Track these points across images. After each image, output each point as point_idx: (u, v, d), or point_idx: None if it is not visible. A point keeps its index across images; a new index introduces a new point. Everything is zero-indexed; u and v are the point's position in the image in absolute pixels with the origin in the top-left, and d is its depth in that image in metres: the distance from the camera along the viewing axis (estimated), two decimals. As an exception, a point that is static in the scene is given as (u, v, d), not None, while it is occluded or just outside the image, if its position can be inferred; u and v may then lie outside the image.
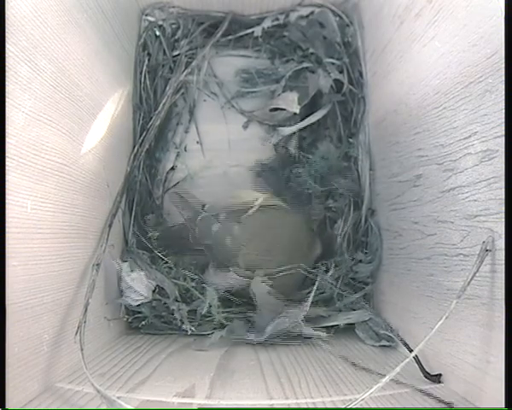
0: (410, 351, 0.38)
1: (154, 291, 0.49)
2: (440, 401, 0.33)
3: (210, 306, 0.47)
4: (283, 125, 0.58)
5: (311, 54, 0.59)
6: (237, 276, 0.49)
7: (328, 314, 0.49)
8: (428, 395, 0.34)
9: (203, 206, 0.54)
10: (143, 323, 0.49)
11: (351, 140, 0.58)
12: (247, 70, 0.61)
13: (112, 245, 0.48)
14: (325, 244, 0.56)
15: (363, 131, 0.57)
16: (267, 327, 0.46)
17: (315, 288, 0.48)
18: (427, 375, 0.37)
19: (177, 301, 0.49)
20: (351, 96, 0.59)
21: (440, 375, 0.36)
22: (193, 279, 0.50)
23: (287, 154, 0.58)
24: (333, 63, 0.58)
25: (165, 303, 0.49)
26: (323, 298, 0.51)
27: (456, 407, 0.31)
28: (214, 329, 0.48)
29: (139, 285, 0.47)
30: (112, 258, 0.48)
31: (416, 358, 0.37)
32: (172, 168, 0.59)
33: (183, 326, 0.48)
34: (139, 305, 0.48)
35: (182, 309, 0.48)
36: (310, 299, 0.46)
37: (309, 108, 0.58)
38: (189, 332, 0.47)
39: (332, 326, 0.49)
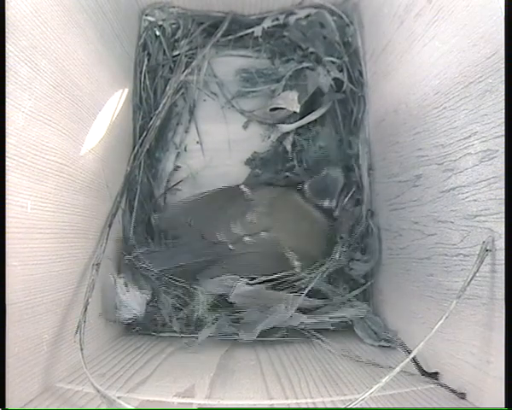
0: (408, 352, 0.38)
1: (148, 304, 0.48)
2: (453, 390, 0.33)
3: (202, 309, 0.47)
4: (283, 123, 0.58)
5: (311, 53, 0.59)
6: (230, 281, 0.48)
7: (316, 305, 0.49)
8: (441, 385, 0.34)
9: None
10: (138, 328, 0.50)
11: (350, 140, 0.58)
12: (247, 70, 0.61)
13: (109, 258, 0.47)
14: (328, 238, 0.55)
15: (363, 130, 0.57)
16: (257, 325, 0.46)
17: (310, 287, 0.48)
18: (423, 372, 0.37)
19: (174, 307, 0.49)
20: (351, 96, 0.59)
21: (437, 373, 0.36)
22: (184, 287, 0.49)
23: (283, 150, 0.59)
24: (333, 62, 0.58)
25: (159, 309, 0.49)
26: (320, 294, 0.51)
27: (456, 408, 0.31)
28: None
29: (132, 302, 0.47)
30: (109, 272, 0.47)
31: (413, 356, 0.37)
32: (175, 169, 0.59)
33: (183, 338, 0.47)
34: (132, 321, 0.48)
35: (179, 318, 0.48)
36: (301, 296, 0.46)
37: (309, 106, 0.58)
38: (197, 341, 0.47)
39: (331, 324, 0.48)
